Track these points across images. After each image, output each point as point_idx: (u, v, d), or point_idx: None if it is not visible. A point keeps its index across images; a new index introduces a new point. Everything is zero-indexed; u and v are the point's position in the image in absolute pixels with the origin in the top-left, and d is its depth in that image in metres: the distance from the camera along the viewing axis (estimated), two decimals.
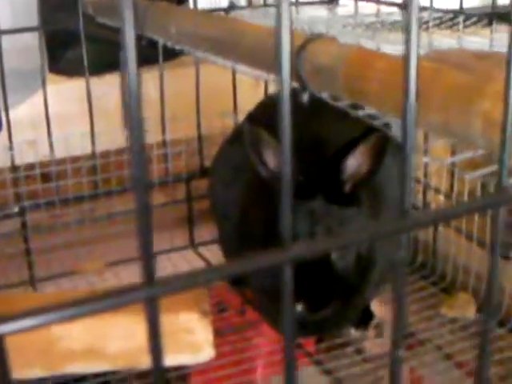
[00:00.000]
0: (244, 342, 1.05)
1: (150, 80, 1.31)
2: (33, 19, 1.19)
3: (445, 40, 1.06)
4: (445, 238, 1.22)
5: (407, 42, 0.35)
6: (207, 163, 1.30)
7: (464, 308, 1.11)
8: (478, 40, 1.02)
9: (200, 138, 1.32)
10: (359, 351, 1.07)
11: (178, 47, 0.86)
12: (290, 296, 0.37)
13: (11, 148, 1.21)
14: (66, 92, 1.35)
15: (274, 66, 0.55)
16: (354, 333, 1.07)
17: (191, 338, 0.96)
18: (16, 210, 1.23)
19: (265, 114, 0.99)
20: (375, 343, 1.09)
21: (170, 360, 0.95)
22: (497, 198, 0.39)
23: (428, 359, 1.05)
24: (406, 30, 0.36)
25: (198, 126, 1.31)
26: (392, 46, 0.93)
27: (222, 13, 1.28)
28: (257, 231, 0.96)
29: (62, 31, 1.37)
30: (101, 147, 1.26)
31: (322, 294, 0.91)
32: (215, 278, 0.34)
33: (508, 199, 0.40)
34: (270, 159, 0.92)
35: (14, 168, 1.23)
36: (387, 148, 0.89)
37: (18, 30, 1.18)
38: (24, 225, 1.26)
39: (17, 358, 0.96)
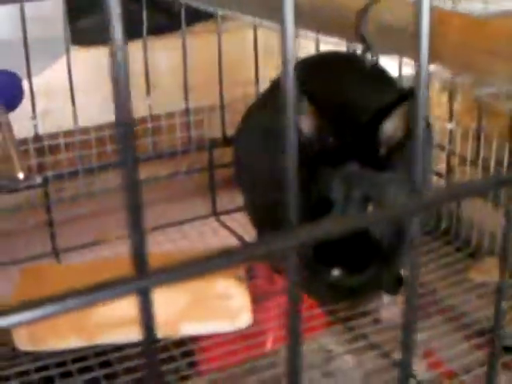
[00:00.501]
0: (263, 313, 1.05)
1: (169, 48, 1.31)
2: None
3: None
4: (469, 203, 1.22)
5: None
6: (229, 132, 1.30)
7: (493, 272, 1.11)
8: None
9: (222, 106, 1.32)
10: (376, 321, 1.07)
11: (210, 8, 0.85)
12: (296, 281, 0.36)
13: (34, 117, 1.20)
14: (84, 61, 1.35)
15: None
16: (386, 298, 1.08)
17: (229, 304, 0.96)
18: (39, 180, 1.23)
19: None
20: (392, 312, 1.09)
21: (209, 326, 0.95)
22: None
23: (445, 329, 1.04)
24: None
25: (221, 94, 1.31)
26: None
27: None
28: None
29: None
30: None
31: (358, 258, 0.91)
32: (214, 268, 0.31)
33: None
34: (304, 124, 0.92)
35: (37, 138, 1.22)
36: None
37: None
38: (47, 195, 1.26)
39: (50, 329, 0.96)
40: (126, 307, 0.95)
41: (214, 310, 0.95)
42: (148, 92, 1.28)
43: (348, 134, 0.92)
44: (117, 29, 0.28)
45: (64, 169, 1.25)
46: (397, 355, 0.99)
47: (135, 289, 0.30)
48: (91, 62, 1.34)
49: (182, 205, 1.37)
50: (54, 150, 1.24)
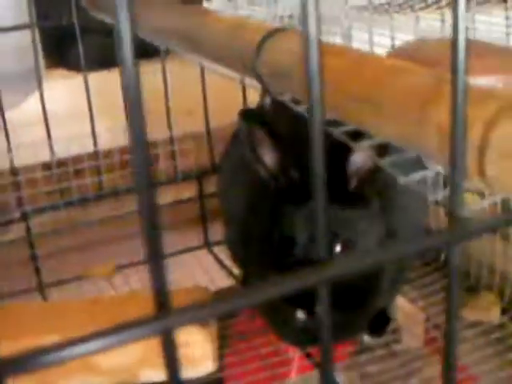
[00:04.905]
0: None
1: (156, 73, 1.26)
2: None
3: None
4: None
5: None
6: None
7: (487, 310, 1.04)
8: (489, 20, 0.93)
9: (209, 133, 1.26)
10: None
11: (156, 43, 0.79)
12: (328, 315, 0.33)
13: (9, 150, 1.16)
14: (71, 87, 1.31)
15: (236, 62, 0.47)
16: (367, 339, 1.00)
17: (190, 351, 0.90)
18: (18, 214, 1.19)
19: (260, 110, 0.93)
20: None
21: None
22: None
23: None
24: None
25: (207, 121, 1.25)
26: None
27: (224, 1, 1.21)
28: (258, 232, 0.90)
29: (67, 25, 1.32)
30: (103, 146, 1.20)
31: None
32: (239, 307, 0.29)
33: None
34: (268, 158, 0.86)
35: (14, 171, 1.18)
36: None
37: (10, 29, 1.13)
38: (28, 230, 1.21)
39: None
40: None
41: None
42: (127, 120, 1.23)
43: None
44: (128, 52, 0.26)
45: (43, 202, 1.20)
46: None
47: (159, 329, 0.28)
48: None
49: (174, 236, 1.32)
50: (31, 183, 1.20)
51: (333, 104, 0.42)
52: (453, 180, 0.32)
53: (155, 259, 0.28)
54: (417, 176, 0.43)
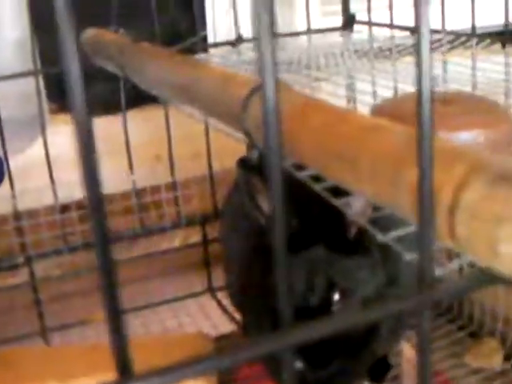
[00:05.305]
0: None
1: (155, 120, 1.27)
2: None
3: (458, 68, 0.99)
4: None
5: (419, 70, 0.29)
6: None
7: (490, 356, 1.03)
8: (490, 66, 0.94)
9: (212, 178, 1.26)
10: None
11: (153, 92, 0.80)
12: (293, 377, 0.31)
13: (13, 195, 1.17)
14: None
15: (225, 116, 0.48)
16: None
17: None
18: (21, 259, 1.19)
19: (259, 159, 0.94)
20: None
21: None
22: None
23: None
24: (418, 55, 0.30)
25: (209, 166, 1.26)
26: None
27: (229, 47, 1.22)
28: (256, 280, 0.90)
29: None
30: (107, 191, 1.21)
31: (324, 350, 0.84)
32: (203, 371, 0.28)
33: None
34: (266, 206, 0.86)
35: (17, 216, 1.19)
36: None
37: (14, 76, 1.14)
38: (32, 274, 1.22)
39: None
40: None
41: None
42: (130, 167, 1.24)
43: (312, 215, 0.86)
44: (79, 101, 0.25)
45: (47, 247, 1.21)
46: None
47: None
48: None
49: (177, 281, 1.32)
50: (34, 228, 1.21)
51: (314, 160, 0.42)
52: (421, 243, 0.32)
53: (113, 317, 0.27)
54: (394, 234, 0.43)
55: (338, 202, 0.50)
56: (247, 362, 0.28)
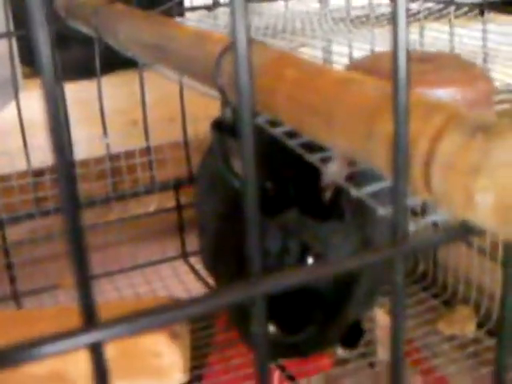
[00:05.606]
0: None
1: (130, 84, 1.25)
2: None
3: (435, 34, 0.99)
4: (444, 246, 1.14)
5: (394, 34, 0.29)
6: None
7: (463, 324, 1.03)
8: (467, 33, 0.94)
9: (186, 143, 1.25)
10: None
11: (128, 54, 0.79)
12: (264, 328, 0.31)
13: None
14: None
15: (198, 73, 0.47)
16: (340, 353, 0.99)
17: (158, 361, 0.89)
18: None
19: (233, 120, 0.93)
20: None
21: None
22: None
23: None
24: (394, 22, 0.29)
25: (184, 131, 1.24)
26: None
27: (205, 11, 1.21)
28: (230, 243, 0.89)
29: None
30: (81, 156, 1.19)
31: (297, 315, 0.84)
32: (172, 321, 0.28)
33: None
34: (239, 167, 0.85)
35: None
36: None
37: None
38: (3, 238, 1.20)
39: None
40: (52, 362, 0.89)
41: (142, 367, 0.88)
42: (105, 131, 1.22)
43: (287, 178, 0.85)
44: (48, 67, 0.25)
45: (19, 211, 1.19)
46: None
47: (85, 342, 0.27)
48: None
49: (150, 246, 1.31)
50: (7, 192, 1.19)
51: (289, 115, 0.41)
52: (396, 195, 0.32)
53: (80, 269, 0.27)
54: (368, 189, 0.42)
55: (313, 158, 0.49)
56: (218, 309, 0.28)
